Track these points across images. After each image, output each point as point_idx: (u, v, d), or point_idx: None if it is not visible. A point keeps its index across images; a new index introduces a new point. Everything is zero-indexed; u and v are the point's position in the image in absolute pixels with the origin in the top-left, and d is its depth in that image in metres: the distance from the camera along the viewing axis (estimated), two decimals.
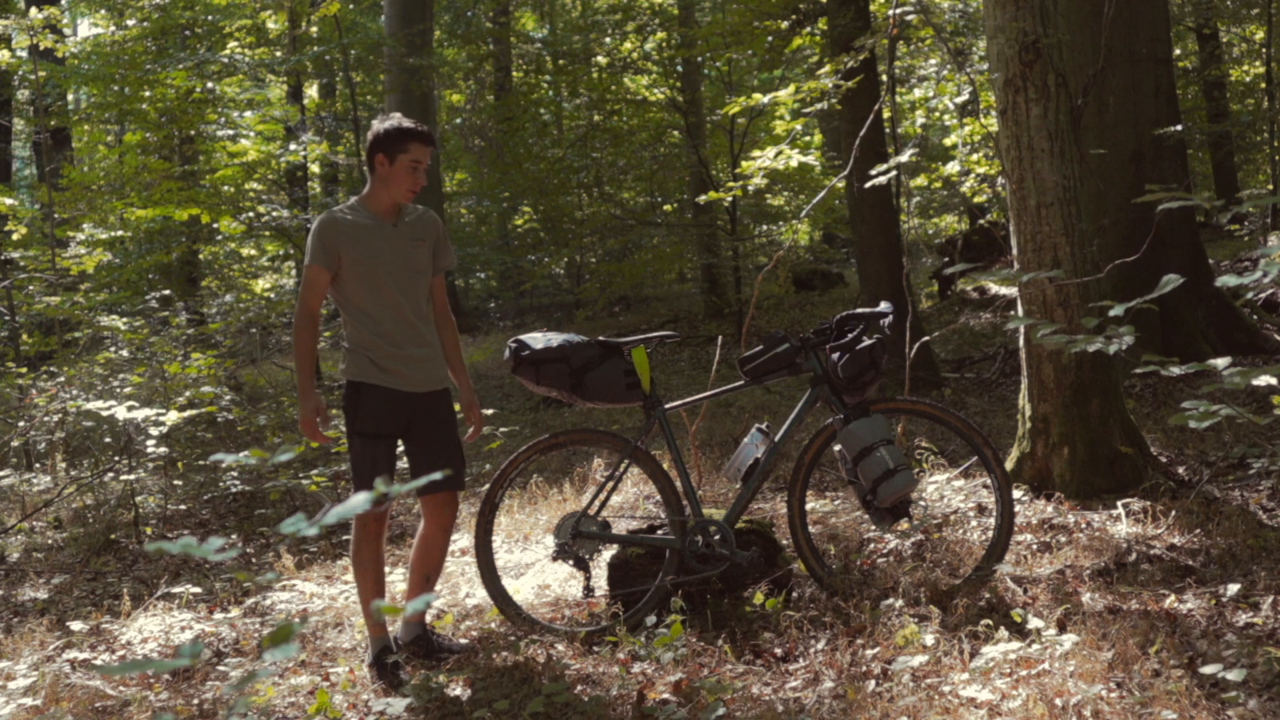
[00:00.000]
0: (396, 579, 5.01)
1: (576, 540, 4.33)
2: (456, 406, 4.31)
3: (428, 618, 4.47)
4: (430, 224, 4.22)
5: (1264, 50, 15.27)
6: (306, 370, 4.04)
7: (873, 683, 3.42)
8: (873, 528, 4.78)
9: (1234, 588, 3.86)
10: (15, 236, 11.54)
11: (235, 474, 7.01)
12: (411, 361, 4.06)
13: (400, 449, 4.25)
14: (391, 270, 4.04)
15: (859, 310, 4.43)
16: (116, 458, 6.99)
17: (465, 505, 6.18)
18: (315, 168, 17.35)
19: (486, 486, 4.46)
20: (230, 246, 14.02)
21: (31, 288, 9.32)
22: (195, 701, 3.84)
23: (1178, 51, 15.17)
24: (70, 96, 18.01)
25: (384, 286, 4.03)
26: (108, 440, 7.47)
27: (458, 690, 3.70)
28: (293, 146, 11.50)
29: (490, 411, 8.19)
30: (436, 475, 1.77)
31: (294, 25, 12.48)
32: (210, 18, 13.58)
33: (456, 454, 4.15)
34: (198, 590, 5.31)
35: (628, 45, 16.06)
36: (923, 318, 10.15)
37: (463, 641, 4.23)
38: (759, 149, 9.80)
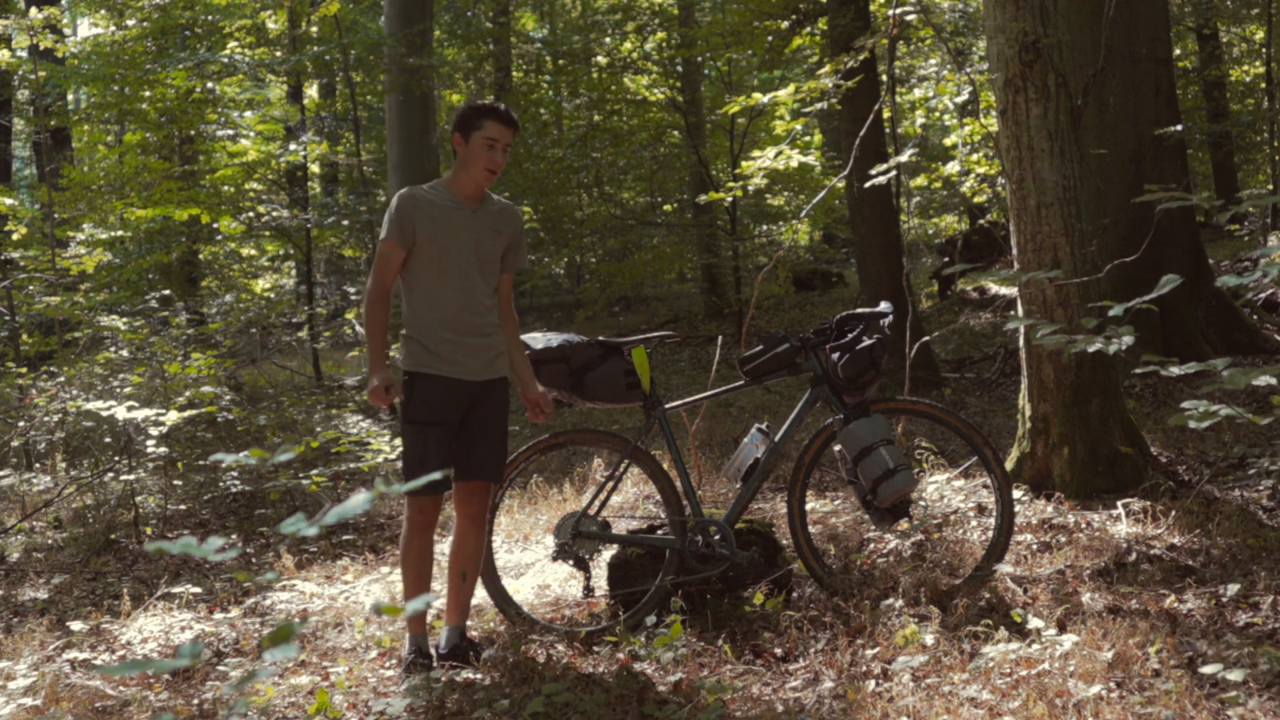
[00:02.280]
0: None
1: (576, 540, 4.33)
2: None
3: (428, 618, 4.47)
4: (511, 218, 4.15)
5: (1264, 50, 15.27)
6: (378, 345, 4.00)
7: (873, 683, 3.42)
8: (873, 528, 4.78)
9: (1234, 588, 3.86)
10: (15, 236, 11.52)
11: (235, 474, 7.00)
12: (471, 349, 4.00)
13: None
14: (463, 255, 3.98)
15: (859, 310, 4.43)
16: (116, 458, 6.98)
17: None
18: (315, 168, 17.34)
19: None
20: (230, 246, 14.01)
21: (31, 288, 9.31)
22: (195, 701, 3.84)
23: (1178, 51, 15.17)
24: (70, 96, 18.00)
25: (453, 270, 3.98)
26: (108, 440, 7.46)
27: (457, 690, 3.70)
28: (293, 146, 11.49)
29: None
30: (436, 475, 1.77)
31: (294, 25, 12.46)
32: (210, 18, 13.56)
33: (498, 446, 4.10)
34: (198, 590, 5.31)
35: (628, 45, 16.05)
36: (923, 318, 10.15)
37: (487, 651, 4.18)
38: (759, 149, 9.80)
